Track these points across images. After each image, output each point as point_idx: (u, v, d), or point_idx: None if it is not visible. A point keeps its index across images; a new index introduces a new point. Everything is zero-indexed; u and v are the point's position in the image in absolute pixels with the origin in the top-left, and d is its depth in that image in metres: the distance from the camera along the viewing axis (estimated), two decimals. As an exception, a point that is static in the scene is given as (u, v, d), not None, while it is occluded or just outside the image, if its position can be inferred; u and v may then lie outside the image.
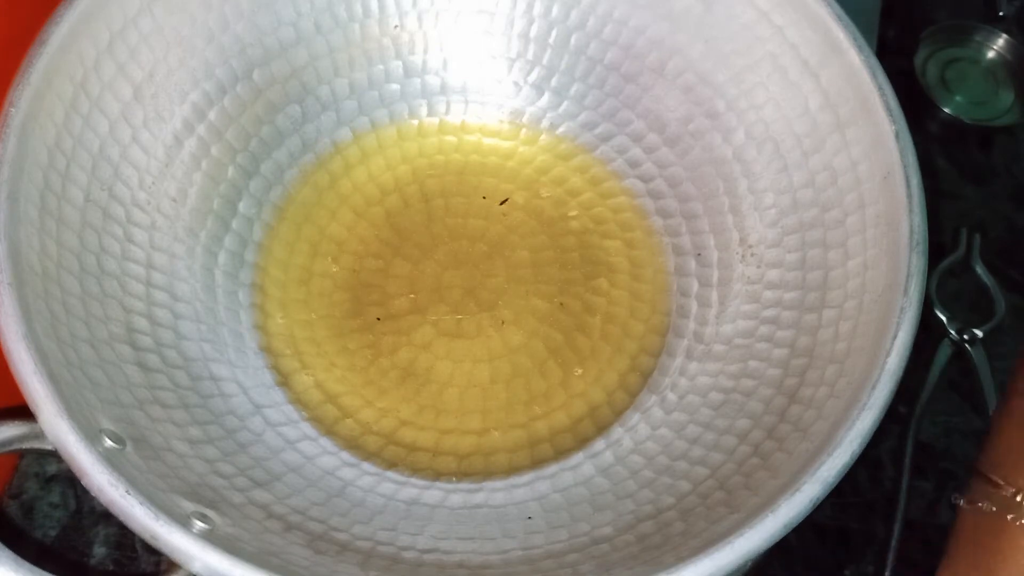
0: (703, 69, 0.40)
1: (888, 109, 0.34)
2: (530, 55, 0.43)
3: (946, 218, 0.50)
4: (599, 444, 0.37)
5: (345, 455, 0.36)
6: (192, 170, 0.39)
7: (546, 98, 0.44)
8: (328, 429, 0.37)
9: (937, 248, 0.48)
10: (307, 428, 0.37)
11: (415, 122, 0.44)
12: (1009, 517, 0.30)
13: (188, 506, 0.29)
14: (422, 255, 0.41)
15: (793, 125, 0.38)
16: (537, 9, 0.42)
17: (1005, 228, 0.50)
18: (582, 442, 0.37)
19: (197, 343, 0.36)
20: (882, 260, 0.33)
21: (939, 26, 0.54)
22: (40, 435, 0.28)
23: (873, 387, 0.29)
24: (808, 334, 0.35)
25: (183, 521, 0.27)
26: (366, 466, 0.36)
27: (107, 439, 0.28)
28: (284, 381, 0.37)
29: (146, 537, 0.27)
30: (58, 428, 0.27)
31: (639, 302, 0.40)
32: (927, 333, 0.46)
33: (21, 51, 0.32)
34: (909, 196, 0.33)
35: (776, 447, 0.32)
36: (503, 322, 0.39)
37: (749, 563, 0.28)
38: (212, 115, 0.39)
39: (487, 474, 0.36)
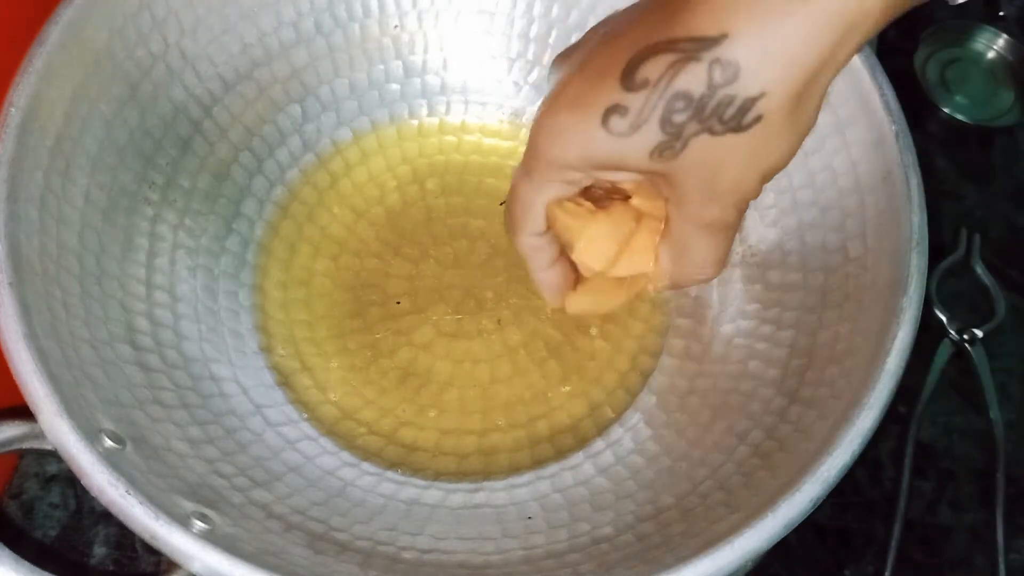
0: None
1: (888, 109, 0.34)
2: (530, 55, 0.43)
3: (946, 218, 0.50)
4: (599, 444, 0.37)
5: (345, 455, 0.36)
6: (193, 170, 0.39)
7: (546, 98, 0.44)
8: (328, 429, 0.37)
9: (937, 248, 0.48)
10: (307, 428, 0.37)
11: (415, 122, 0.44)
12: None
13: (188, 506, 0.29)
14: (422, 255, 0.41)
15: (793, 125, 0.38)
16: (537, 9, 0.42)
17: (1005, 228, 0.50)
18: (582, 442, 0.37)
19: (197, 343, 0.36)
20: (883, 260, 0.33)
21: (939, 26, 0.54)
22: (40, 435, 0.28)
23: (873, 387, 0.29)
24: (808, 334, 0.35)
25: (183, 521, 0.27)
26: (366, 466, 0.36)
27: (107, 439, 0.28)
28: (284, 381, 0.37)
29: (146, 537, 0.27)
30: (58, 428, 0.27)
31: (639, 302, 0.40)
32: (927, 333, 0.46)
33: (21, 51, 0.32)
34: (909, 196, 0.33)
35: (776, 447, 0.32)
36: (503, 322, 0.39)
37: (749, 563, 0.28)
38: (213, 115, 0.39)
39: (487, 474, 0.36)
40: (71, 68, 0.34)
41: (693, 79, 0.24)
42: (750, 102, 0.24)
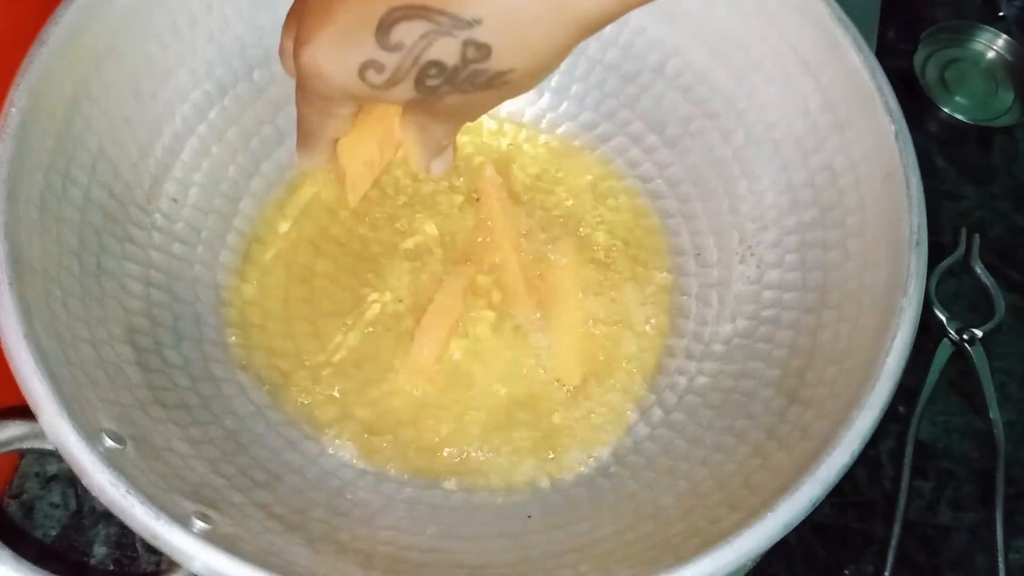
0: (703, 69, 0.40)
1: (888, 109, 0.34)
2: (530, 55, 0.43)
3: (946, 218, 0.50)
4: (599, 444, 0.37)
5: (345, 455, 0.36)
6: (193, 170, 0.39)
7: (546, 98, 0.44)
8: (329, 429, 0.37)
9: (937, 248, 0.48)
10: (307, 428, 0.37)
11: (415, 122, 0.43)
12: None
13: (189, 505, 0.28)
14: (423, 254, 0.41)
15: (793, 125, 0.38)
16: (537, 9, 0.42)
17: (1005, 228, 0.50)
18: (582, 442, 0.37)
19: (197, 343, 0.36)
20: (882, 260, 0.33)
21: (939, 26, 0.54)
22: (41, 435, 0.28)
23: (873, 387, 0.29)
24: (808, 334, 0.35)
25: (183, 520, 0.27)
26: (367, 466, 0.36)
27: (107, 439, 0.28)
28: (285, 381, 0.37)
29: (146, 536, 0.27)
30: (58, 428, 0.27)
31: (640, 301, 0.40)
32: (927, 333, 0.46)
33: (21, 51, 0.32)
34: (909, 196, 0.33)
35: (776, 447, 0.32)
36: (504, 322, 0.39)
37: (749, 563, 0.28)
38: (213, 115, 0.39)
39: (488, 473, 0.36)
40: (71, 68, 0.34)
41: (447, 52, 0.25)
42: (500, 75, 0.26)
